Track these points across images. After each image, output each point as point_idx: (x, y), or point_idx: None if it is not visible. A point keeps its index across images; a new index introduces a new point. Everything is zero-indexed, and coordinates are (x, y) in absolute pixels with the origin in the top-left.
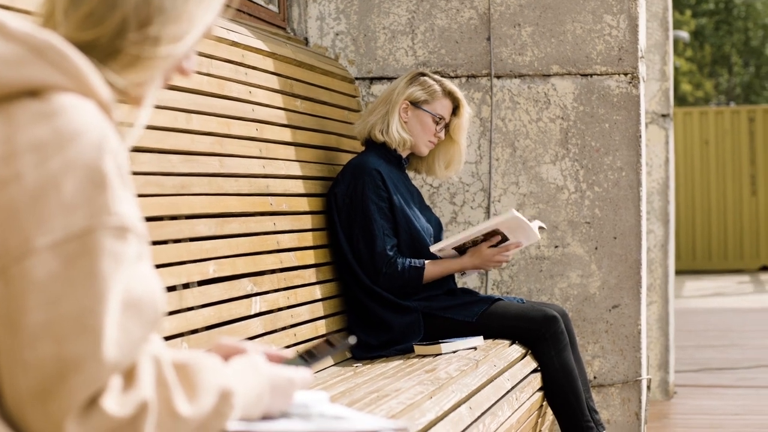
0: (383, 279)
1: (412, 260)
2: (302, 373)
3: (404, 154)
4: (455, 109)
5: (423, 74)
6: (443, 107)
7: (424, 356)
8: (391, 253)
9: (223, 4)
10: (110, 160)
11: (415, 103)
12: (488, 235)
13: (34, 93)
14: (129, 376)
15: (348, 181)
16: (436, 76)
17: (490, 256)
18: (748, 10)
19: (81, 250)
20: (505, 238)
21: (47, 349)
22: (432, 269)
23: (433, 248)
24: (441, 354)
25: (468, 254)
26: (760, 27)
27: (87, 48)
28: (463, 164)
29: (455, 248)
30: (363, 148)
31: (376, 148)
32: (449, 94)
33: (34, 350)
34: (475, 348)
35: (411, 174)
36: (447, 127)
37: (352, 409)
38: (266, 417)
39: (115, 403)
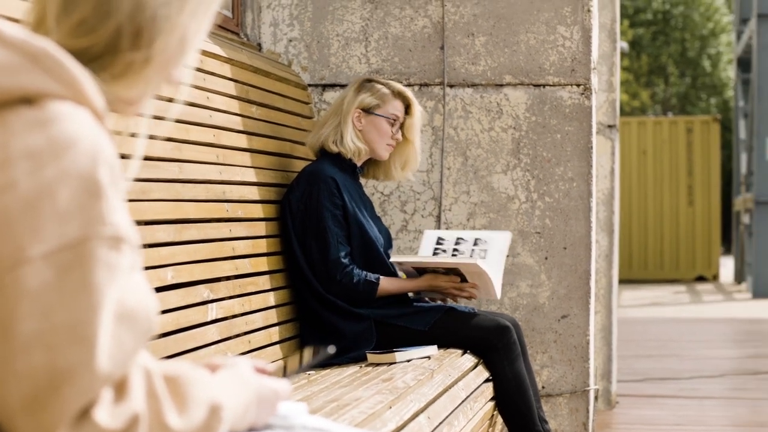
0: (336, 287)
1: (368, 274)
2: (284, 384)
3: (359, 163)
4: (407, 109)
5: (370, 80)
6: (395, 108)
7: (377, 365)
8: (345, 261)
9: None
10: (105, 169)
11: (367, 110)
12: (449, 271)
13: (28, 100)
14: (120, 388)
15: (303, 188)
16: (383, 79)
17: (446, 287)
18: (685, 21)
19: (75, 259)
20: (464, 280)
21: (40, 359)
22: (386, 286)
23: (394, 258)
24: (395, 363)
25: (425, 278)
26: (697, 38)
27: (79, 56)
28: (418, 163)
29: (414, 267)
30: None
31: (331, 157)
32: (399, 95)
33: (27, 360)
34: (428, 357)
35: (363, 181)
36: (401, 127)
37: (332, 421)
38: (251, 429)
39: (107, 414)
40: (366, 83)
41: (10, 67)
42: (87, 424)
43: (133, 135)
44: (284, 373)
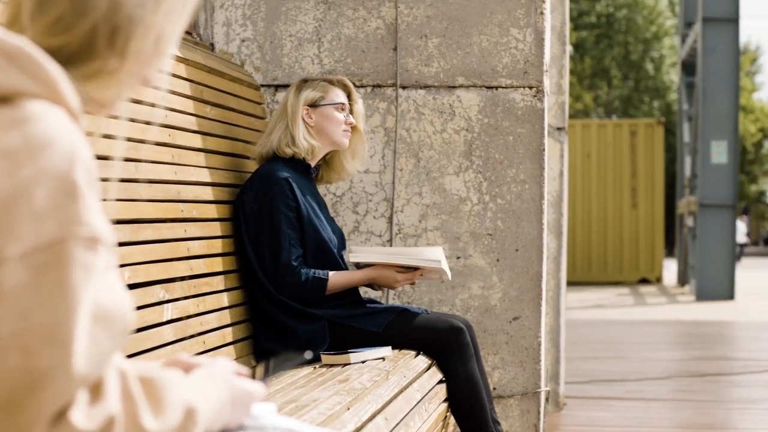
0: (287, 289)
1: (317, 271)
2: (258, 386)
3: (313, 163)
4: (349, 97)
5: (306, 79)
6: (339, 96)
7: (331, 365)
8: (295, 264)
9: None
10: (81, 169)
11: (314, 104)
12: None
13: (4, 99)
14: (96, 390)
15: (256, 189)
16: (318, 76)
17: (395, 277)
18: (628, 24)
19: (51, 260)
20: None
21: (16, 360)
22: (335, 280)
23: (353, 258)
24: (349, 363)
25: (374, 268)
26: (640, 41)
27: (54, 55)
28: (366, 151)
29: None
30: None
31: (284, 160)
32: (338, 83)
33: (2, 362)
34: (383, 358)
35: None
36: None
37: (303, 422)
38: (225, 429)
39: (83, 416)
40: (303, 82)
41: None
42: (63, 425)
43: (107, 136)
44: (261, 374)
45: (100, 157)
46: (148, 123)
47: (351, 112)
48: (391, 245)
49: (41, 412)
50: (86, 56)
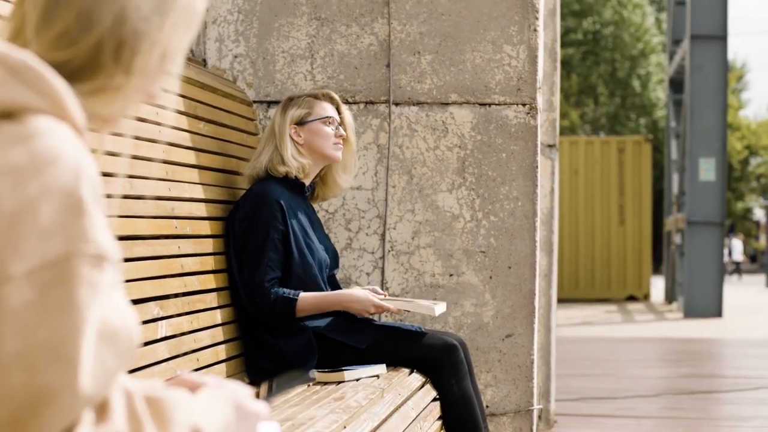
0: (257, 309)
1: (286, 291)
2: (263, 406)
3: (307, 182)
4: (337, 109)
5: (291, 97)
6: (325, 110)
7: (325, 383)
8: (266, 285)
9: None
10: (87, 186)
11: (301, 122)
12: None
13: (8, 115)
14: (101, 409)
15: (248, 208)
16: (303, 92)
17: (372, 301)
18: (615, 41)
19: (57, 278)
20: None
21: (20, 379)
22: (306, 301)
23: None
24: (343, 381)
25: (349, 293)
26: (627, 58)
27: (58, 69)
28: (357, 164)
29: None
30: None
31: (275, 178)
32: (324, 96)
33: (7, 380)
34: (377, 376)
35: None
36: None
37: None
38: None
39: None
40: (288, 101)
41: None
42: None
43: (110, 153)
44: (266, 393)
45: (103, 174)
46: (144, 139)
47: (341, 124)
48: (383, 262)
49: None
50: (91, 71)
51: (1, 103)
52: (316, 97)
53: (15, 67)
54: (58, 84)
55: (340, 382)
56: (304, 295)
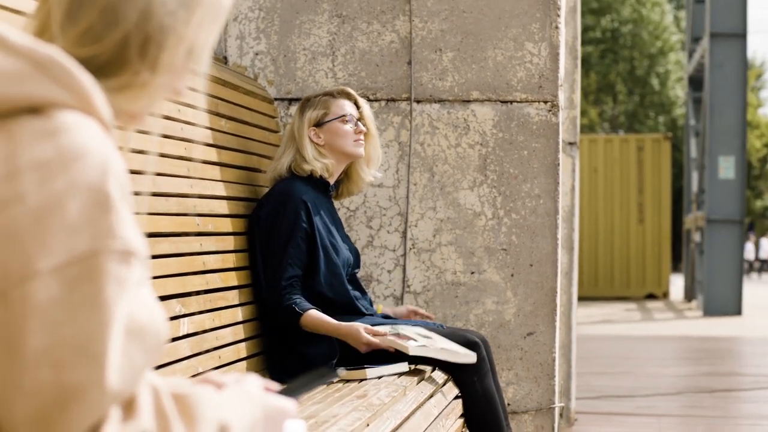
0: (272, 307)
1: (299, 302)
2: (290, 402)
3: (332, 180)
4: (356, 103)
5: (308, 98)
6: (342, 106)
7: (347, 381)
8: (283, 284)
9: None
10: (114, 181)
11: (319, 123)
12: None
13: (35, 110)
14: (129, 406)
15: (272, 206)
16: (322, 90)
17: (362, 340)
18: (634, 40)
19: (84, 273)
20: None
21: (47, 375)
22: (311, 320)
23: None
24: (366, 379)
25: (349, 326)
26: (645, 56)
27: (85, 64)
28: (381, 155)
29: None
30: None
31: (300, 177)
32: (340, 94)
33: (34, 377)
34: (399, 374)
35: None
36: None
37: None
38: None
39: None
40: (305, 102)
41: (15, 74)
42: None
43: (137, 151)
44: (290, 391)
45: (131, 172)
46: (166, 136)
47: (360, 118)
48: (404, 260)
49: (73, 429)
50: (117, 67)
51: (27, 97)
52: (332, 95)
53: (42, 62)
54: (85, 79)
55: (362, 380)
56: (310, 314)
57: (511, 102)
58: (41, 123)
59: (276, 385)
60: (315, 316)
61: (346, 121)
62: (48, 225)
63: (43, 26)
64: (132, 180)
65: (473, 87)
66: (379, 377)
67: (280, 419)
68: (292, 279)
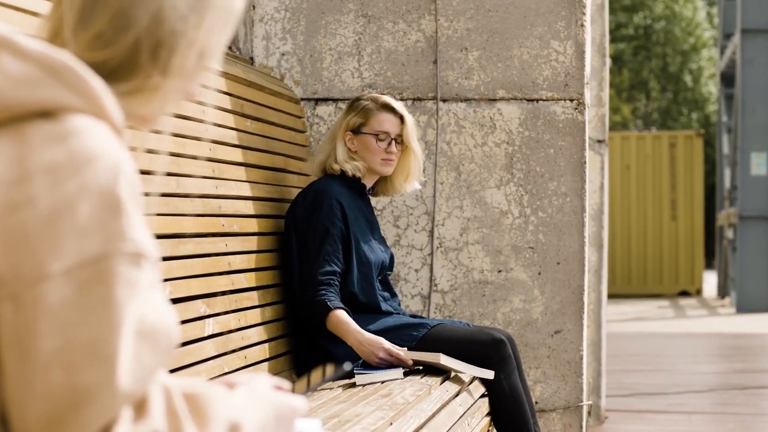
0: (303, 301)
1: (333, 300)
2: (301, 401)
3: (368, 183)
4: (401, 119)
5: (359, 98)
6: (383, 122)
7: (364, 385)
8: (320, 279)
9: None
10: (125, 184)
11: (355, 130)
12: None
13: (46, 114)
14: (140, 407)
15: (308, 205)
16: (373, 94)
17: (377, 355)
18: (666, 36)
19: (95, 276)
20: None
21: (59, 377)
22: (337, 321)
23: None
24: (357, 385)
25: (368, 339)
26: (678, 53)
27: (96, 69)
28: (421, 171)
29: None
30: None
31: (337, 176)
32: (384, 107)
33: (46, 379)
34: (389, 381)
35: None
36: (398, 139)
37: None
38: None
39: None
40: (354, 103)
41: (28, 79)
42: None
43: (150, 151)
44: (304, 388)
45: (142, 172)
46: (196, 139)
47: (399, 135)
48: (432, 259)
49: (84, 430)
50: (129, 71)
51: (39, 102)
52: (376, 105)
53: (53, 67)
54: (96, 83)
55: (353, 386)
56: (337, 314)
57: (537, 100)
58: (52, 127)
59: (287, 384)
60: (344, 320)
61: (381, 138)
62: (59, 228)
63: (56, 31)
64: (146, 181)
65: (499, 86)
66: (371, 383)
67: (292, 417)
68: (329, 275)
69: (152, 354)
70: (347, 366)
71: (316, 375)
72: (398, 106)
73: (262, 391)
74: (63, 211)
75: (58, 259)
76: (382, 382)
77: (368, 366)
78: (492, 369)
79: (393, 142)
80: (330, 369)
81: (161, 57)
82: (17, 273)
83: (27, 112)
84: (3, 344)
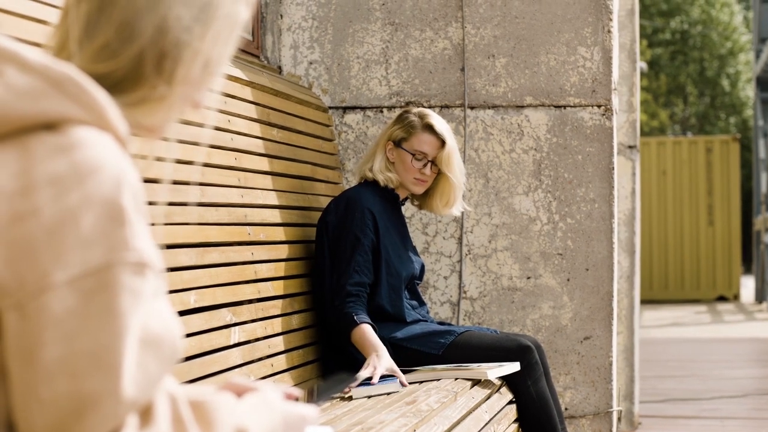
0: (330, 311)
1: (360, 313)
2: (311, 409)
3: (402, 194)
4: (442, 143)
5: (408, 111)
6: (423, 142)
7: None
8: (349, 290)
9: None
10: (128, 194)
11: (397, 142)
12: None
13: (50, 126)
14: (145, 414)
15: (341, 213)
16: (423, 110)
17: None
18: (703, 41)
19: (99, 285)
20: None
21: (64, 385)
22: (362, 335)
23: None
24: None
25: (380, 357)
26: (715, 57)
27: (101, 81)
28: (459, 199)
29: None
30: (338, 178)
31: (371, 184)
32: (427, 128)
33: (51, 387)
34: (389, 393)
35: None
36: (435, 161)
37: None
38: None
39: None
40: (403, 113)
41: (32, 92)
42: None
43: (158, 159)
44: (312, 397)
45: (152, 181)
46: (215, 147)
47: (436, 159)
48: (461, 266)
49: None
50: (134, 82)
51: (43, 114)
52: (422, 123)
53: (57, 80)
54: (100, 95)
55: (350, 399)
56: (363, 329)
57: (565, 107)
58: (56, 139)
59: (298, 392)
60: (366, 332)
61: (418, 159)
62: (63, 238)
63: (62, 43)
64: (152, 190)
65: (526, 92)
66: (369, 396)
67: (301, 426)
68: (358, 286)
69: (156, 362)
70: (359, 375)
71: (327, 384)
72: (442, 129)
73: (271, 399)
74: (67, 222)
75: (63, 269)
76: (388, 394)
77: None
78: (520, 376)
79: (429, 164)
80: (341, 377)
81: (166, 68)
82: (22, 283)
83: (31, 124)
84: (9, 353)
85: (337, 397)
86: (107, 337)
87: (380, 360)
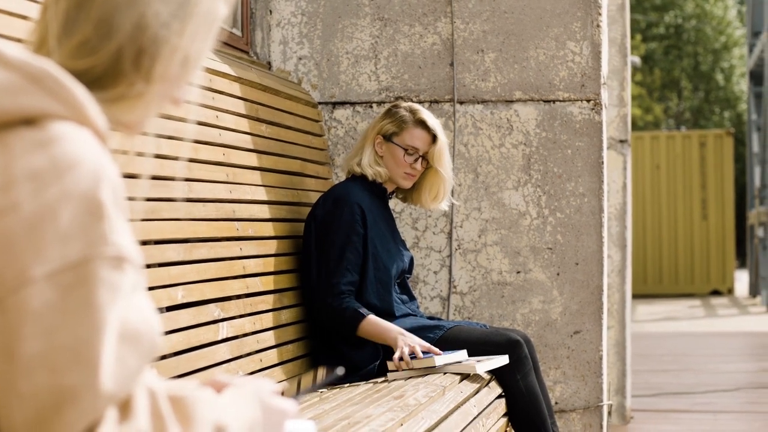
0: (325, 310)
1: (360, 307)
2: (291, 404)
3: (389, 188)
4: (433, 138)
5: (397, 105)
6: (414, 137)
7: (390, 381)
8: (343, 288)
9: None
10: (107, 189)
11: (387, 136)
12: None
13: (29, 121)
14: (124, 408)
15: (329, 208)
16: (413, 105)
17: (401, 348)
18: (698, 35)
19: (77, 280)
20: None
21: (43, 379)
22: (370, 325)
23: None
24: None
25: (403, 337)
26: (709, 52)
27: (80, 77)
28: (448, 194)
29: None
30: (328, 174)
31: (361, 179)
32: (419, 123)
33: (30, 381)
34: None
35: (392, 203)
36: (426, 156)
37: None
38: None
39: None
40: (392, 108)
41: (10, 88)
42: None
43: (139, 154)
44: (296, 391)
45: (133, 176)
46: (204, 142)
47: (427, 154)
48: (450, 260)
49: (69, 430)
50: (112, 79)
51: (21, 109)
52: (414, 119)
53: (35, 75)
54: (78, 91)
55: (430, 367)
56: (371, 319)
57: (554, 101)
58: (35, 134)
59: (278, 386)
60: (375, 321)
61: (409, 154)
62: (42, 233)
63: (41, 40)
64: (128, 185)
65: (516, 87)
66: (444, 373)
67: (280, 420)
68: (350, 285)
69: (135, 356)
70: (340, 371)
71: (307, 378)
72: (434, 124)
73: (250, 393)
74: (46, 217)
75: (41, 263)
76: (459, 362)
77: (384, 369)
78: (509, 371)
79: (420, 159)
80: (322, 373)
81: (144, 64)
82: (1, 278)
83: (10, 119)
84: None
85: (422, 371)
86: (86, 331)
87: (409, 338)
